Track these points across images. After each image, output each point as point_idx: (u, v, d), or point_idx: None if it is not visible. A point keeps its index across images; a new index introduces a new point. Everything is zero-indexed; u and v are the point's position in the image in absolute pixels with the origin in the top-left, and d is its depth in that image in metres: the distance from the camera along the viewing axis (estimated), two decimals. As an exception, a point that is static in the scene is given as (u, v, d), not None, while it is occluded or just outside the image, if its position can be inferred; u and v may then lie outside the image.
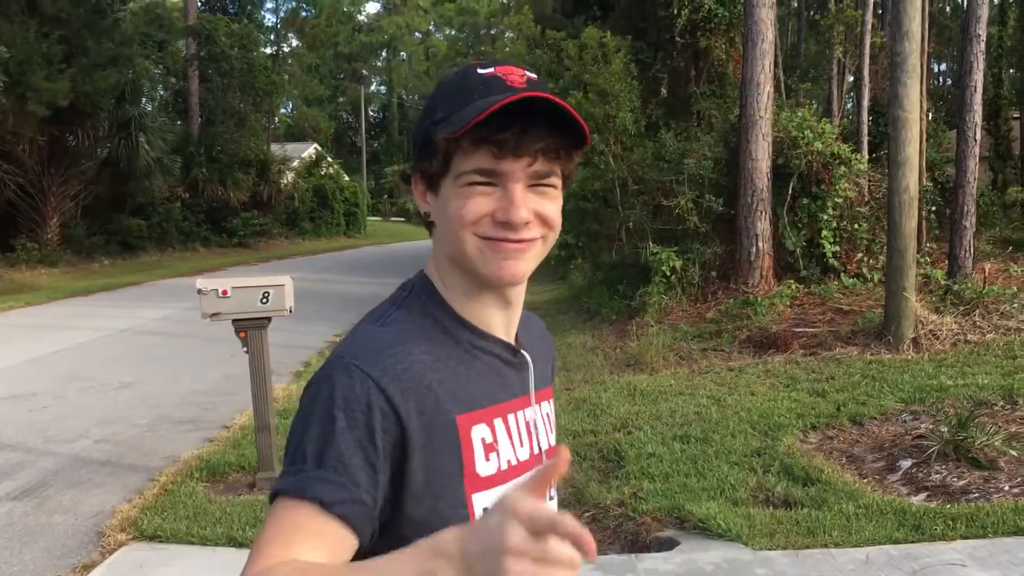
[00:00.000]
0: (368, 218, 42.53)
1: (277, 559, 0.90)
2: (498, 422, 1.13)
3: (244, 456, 5.84)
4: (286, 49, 59.73)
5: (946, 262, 10.80)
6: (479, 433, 1.10)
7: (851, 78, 19.61)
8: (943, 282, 9.90)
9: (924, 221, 12.40)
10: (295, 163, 35.50)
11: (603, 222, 13.97)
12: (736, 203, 11.31)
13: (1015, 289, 9.61)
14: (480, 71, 1.08)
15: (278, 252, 28.55)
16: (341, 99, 70.87)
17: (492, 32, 69.43)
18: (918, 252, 10.13)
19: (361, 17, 75.32)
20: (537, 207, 1.07)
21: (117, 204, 24.27)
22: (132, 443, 6.60)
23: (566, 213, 17.17)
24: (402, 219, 50.32)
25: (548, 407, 1.26)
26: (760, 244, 11.17)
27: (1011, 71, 23.55)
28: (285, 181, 32.96)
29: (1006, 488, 5.12)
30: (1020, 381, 7.10)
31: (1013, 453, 5.49)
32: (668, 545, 4.55)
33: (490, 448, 1.10)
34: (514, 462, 1.13)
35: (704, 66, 15.56)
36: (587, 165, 13.99)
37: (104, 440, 6.67)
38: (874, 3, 15.88)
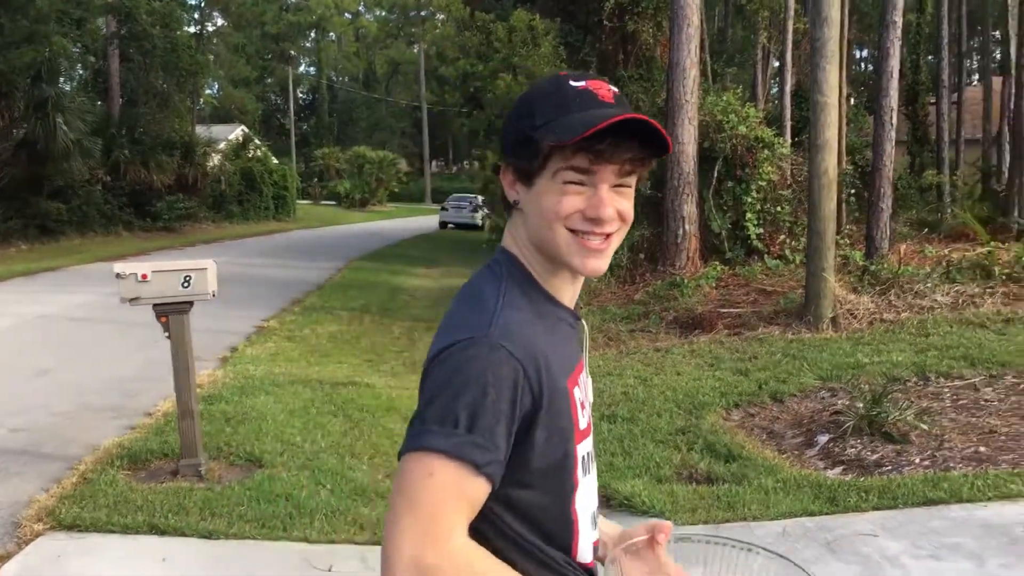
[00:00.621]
0: (298, 202, 41.74)
1: (463, 533, 1.15)
2: (580, 380, 1.35)
3: (167, 443, 5.73)
4: (211, 28, 58.28)
5: (864, 243, 11.11)
6: (578, 394, 1.31)
7: (776, 63, 19.97)
8: (861, 263, 10.21)
9: (844, 204, 12.75)
10: (222, 145, 34.67)
11: (533, 205, 14.03)
12: (663, 186, 11.46)
13: (928, 269, 9.95)
14: (572, 83, 1.26)
15: (204, 236, 27.92)
16: (269, 80, 69.51)
17: (423, 13, 68.81)
18: (838, 234, 10.42)
19: (289, -4, 73.90)
20: (618, 205, 1.26)
21: (35, 187, 23.41)
22: (50, 431, 6.43)
23: (496, 197, 17.10)
24: (333, 203, 49.53)
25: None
26: (687, 226, 11.35)
27: (929, 58, 24.23)
28: (211, 164, 32.19)
29: (917, 461, 5.32)
30: (932, 358, 7.37)
31: (924, 427, 5.70)
32: (593, 522, 4.61)
33: (582, 405, 1.33)
34: (590, 414, 1.36)
35: (632, 50, 15.66)
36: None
37: (21, 429, 6.48)
38: (797, -11, 16.19)
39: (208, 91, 50.13)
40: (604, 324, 9.84)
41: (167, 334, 5.12)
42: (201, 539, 4.36)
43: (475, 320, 1.24)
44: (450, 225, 37.20)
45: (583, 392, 1.35)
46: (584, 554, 1.34)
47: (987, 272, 9.77)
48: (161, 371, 7.37)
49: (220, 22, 60.88)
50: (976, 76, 37.85)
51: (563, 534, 1.31)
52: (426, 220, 41.23)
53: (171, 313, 5.05)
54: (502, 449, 1.18)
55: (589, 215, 1.24)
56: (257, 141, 40.58)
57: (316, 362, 9.07)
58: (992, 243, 10.70)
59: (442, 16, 57.54)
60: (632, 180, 1.28)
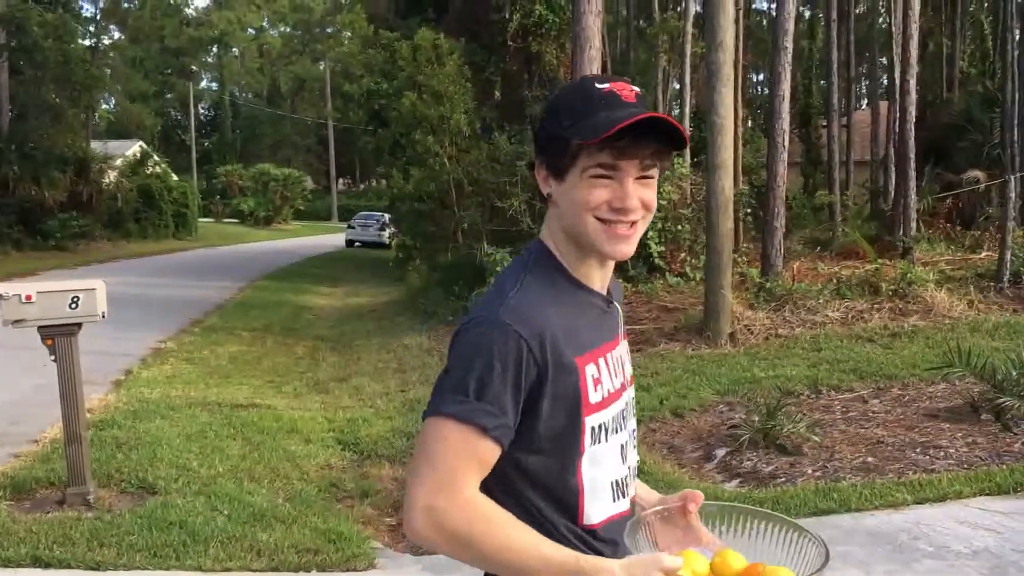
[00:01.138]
0: (200, 220, 40.70)
1: (473, 487, 1.33)
2: (601, 360, 1.46)
3: (54, 471, 5.49)
4: (107, 41, 56.56)
5: (761, 261, 11.44)
6: (591, 371, 1.43)
7: (676, 85, 20.46)
8: (757, 280, 10.50)
9: (741, 223, 13.12)
10: (118, 162, 33.62)
11: (439, 223, 14.03)
12: (567, 205, 11.57)
13: (820, 286, 10.31)
14: (598, 86, 1.39)
15: (100, 255, 26.94)
16: (169, 95, 67.75)
17: (328, 30, 68.23)
18: (735, 252, 10.71)
19: (189, 11, 72.31)
20: (641, 195, 1.39)
21: (-86, 204, 22.31)
22: (-73, 462, 6.09)
23: (403, 215, 16.99)
24: (236, 220, 48.45)
25: (625, 345, 1.61)
26: (590, 245, 11.48)
27: (821, 82, 25.21)
28: (107, 180, 31.19)
29: (809, 472, 5.49)
30: (824, 371, 7.63)
31: (816, 439, 5.89)
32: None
33: (597, 381, 1.44)
34: (611, 390, 1.47)
35: (536, 70, 15.84)
36: (423, 166, 13.99)
37: None
38: (695, 14, 16.65)
39: (104, 106, 48.67)
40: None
41: (53, 357, 4.92)
42: (88, 571, 4.19)
43: (491, 302, 1.41)
44: (357, 243, 36.88)
45: (607, 369, 1.47)
46: (592, 518, 1.45)
47: (875, 288, 10.17)
48: (50, 396, 7.06)
49: (117, 35, 59.23)
50: (865, 100, 39.54)
51: (568, 498, 1.43)
52: (333, 238, 40.75)
53: (57, 335, 4.85)
54: (510, 415, 1.34)
55: (615, 205, 1.37)
56: (156, 157, 39.47)
57: (215, 384, 8.85)
58: (879, 260, 11.15)
59: (348, 33, 57.25)
60: (655, 172, 1.40)
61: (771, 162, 10.86)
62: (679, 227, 12.07)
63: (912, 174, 12.92)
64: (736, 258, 10.67)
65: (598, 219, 1.38)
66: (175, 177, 40.56)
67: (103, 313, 4.90)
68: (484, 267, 11.46)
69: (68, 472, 5.08)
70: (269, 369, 10.05)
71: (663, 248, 11.94)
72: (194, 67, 68.39)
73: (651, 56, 22.49)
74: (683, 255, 12.16)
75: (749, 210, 14.18)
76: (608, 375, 1.47)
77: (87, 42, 37.67)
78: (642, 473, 5.47)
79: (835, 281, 10.55)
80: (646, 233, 10.85)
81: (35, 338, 4.95)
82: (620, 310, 1.60)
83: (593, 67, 11.34)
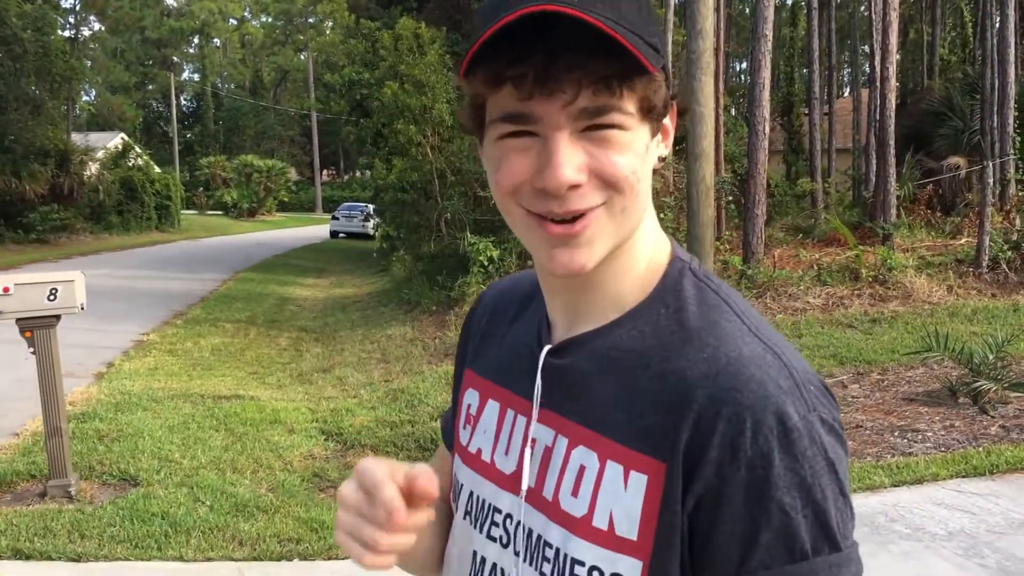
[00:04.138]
0: (183, 211, 40.48)
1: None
2: (493, 404, 0.97)
3: (35, 464, 5.49)
4: (87, 33, 56.18)
5: (742, 249, 11.50)
6: (468, 398, 1.01)
7: (659, 74, 20.46)
8: (739, 267, 10.55)
9: (723, 210, 13.17)
10: (100, 154, 33.44)
11: (422, 213, 14.00)
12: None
13: (801, 273, 10.37)
14: None
15: (82, 248, 26.80)
16: (151, 87, 67.35)
17: (310, 20, 67.88)
18: (717, 239, 10.76)
19: (170, 1, 71.77)
20: (593, 161, 0.77)
21: None
22: (-93, 457, 6.06)
23: (386, 205, 16.96)
24: (219, 212, 48.23)
25: (585, 453, 0.83)
26: (574, 234, 11.51)
27: (803, 70, 25.26)
28: (88, 173, 31.01)
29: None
30: (804, 357, 7.67)
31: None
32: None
33: (469, 419, 1.00)
34: (487, 459, 0.95)
35: (519, 60, 15.82)
36: (405, 156, 13.98)
37: None
38: (676, 3, 16.63)
39: (85, 97, 48.33)
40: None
41: (32, 350, 4.91)
42: (69, 562, 4.19)
43: None
44: (341, 234, 36.79)
45: (495, 420, 0.96)
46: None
47: (855, 274, 10.25)
48: (30, 389, 7.04)
49: (97, 26, 58.73)
50: (847, 88, 39.70)
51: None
52: (317, 229, 40.64)
53: (36, 328, 4.84)
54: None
55: (536, 184, 0.77)
56: (138, 149, 39.21)
57: (198, 376, 8.84)
58: (859, 247, 11.22)
59: (329, 23, 56.97)
60: (621, 117, 0.77)
61: (752, 149, 10.91)
62: (662, 215, 12.08)
63: (892, 161, 12.99)
64: (718, 246, 10.73)
65: (525, 209, 0.80)
66: (157, 169, 40.36)
67: (82, 305, 4.89)
68: (467, 257, 11.46)
69: (49, 465, 5.07)
70: (252, 360, 10.04)
71: (646, 236, 11.98)
72: (176, 58, 67.97)
73: (634, 45, 22.50)
74: (666, 243, 12.21)
75: (731, 198, 14.23)
76: (495, 433, 0.95)
77: (67, 33, 37.37)
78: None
79: (816, 268, 10.62)
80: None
81: (14, 331, 4.93)
82: (540, 366, 0.90)
83: (574, 56, 11.36)
